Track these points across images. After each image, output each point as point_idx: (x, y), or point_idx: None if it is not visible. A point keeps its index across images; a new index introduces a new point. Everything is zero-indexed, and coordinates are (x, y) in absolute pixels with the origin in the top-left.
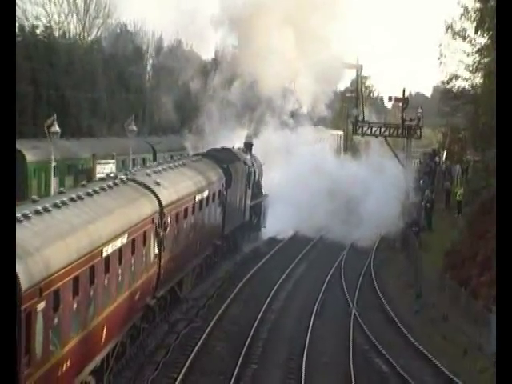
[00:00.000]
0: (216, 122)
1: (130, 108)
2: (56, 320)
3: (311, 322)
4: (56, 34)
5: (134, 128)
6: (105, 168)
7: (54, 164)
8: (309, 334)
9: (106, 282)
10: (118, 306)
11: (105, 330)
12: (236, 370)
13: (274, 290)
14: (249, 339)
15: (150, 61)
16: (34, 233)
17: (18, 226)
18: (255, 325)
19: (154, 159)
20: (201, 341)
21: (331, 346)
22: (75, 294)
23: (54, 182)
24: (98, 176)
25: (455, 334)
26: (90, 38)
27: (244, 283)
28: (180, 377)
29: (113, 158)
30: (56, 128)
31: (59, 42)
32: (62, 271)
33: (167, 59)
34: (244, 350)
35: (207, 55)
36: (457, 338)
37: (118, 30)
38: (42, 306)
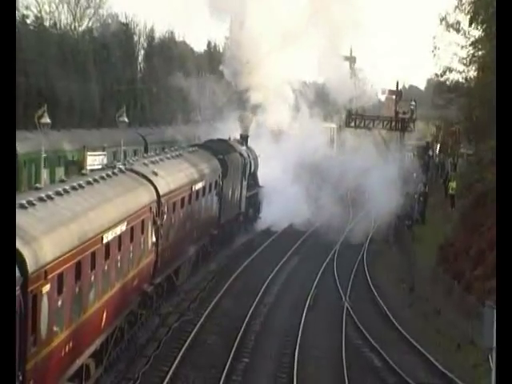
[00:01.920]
0: (210, 113)
1: (122, 99)
2: (60, 303)
3: (303, 315)
4: (47, 23)
5: (126, 119)
6: (96, 160)
7: (44, 155)
8: (301, 328)
9: (106, 267)
10: (117, 292)
11: (105, 314)
12: (228, 364)
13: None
14: (241, 332)
15: (142, 51)
16: (39, 219)
17: (23, 212)
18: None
19: (146, 151)
20: (192, 334)
21: (323, 340)
22: (77, 279)
23: (44, 174)
24: (88, 168)
25: (448, 328)
26: (81, 29)
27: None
28: (171, 370)
29: (104, 150)
30: (47, 119)
31: (50, 32)
32: (65, 256)
33: (159, 50)
34: (236, 343)
35: (200, 46)
36: (450, 332)
37: (110, 21)
38: (47, 288)
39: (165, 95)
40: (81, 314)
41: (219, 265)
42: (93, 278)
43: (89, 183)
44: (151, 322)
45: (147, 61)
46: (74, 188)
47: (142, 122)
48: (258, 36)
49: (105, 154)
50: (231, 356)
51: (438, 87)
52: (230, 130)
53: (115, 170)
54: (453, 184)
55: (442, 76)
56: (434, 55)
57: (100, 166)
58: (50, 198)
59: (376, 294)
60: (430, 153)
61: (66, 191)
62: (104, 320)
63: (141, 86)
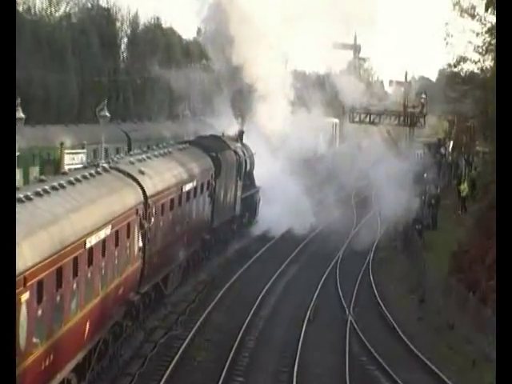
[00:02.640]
0: (200, 108)
1: (103, 91)
2: (40, 312)
3: (303, 330)
4: (20, 8)
5: (107, 114)
6: (74, 158)
7: (17, 154)
8: (300, 343)
9: (89, 274)
10: (101, 301)
11: (88, 325)
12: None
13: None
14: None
15: (125, 39)
16: (17, 221)
17: None
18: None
19: (129, 149)
20: (180, 350)
21: (325, 356)
22: (58, 287)
23: (17, 174)
24: (66, 167)
25: (462, 344)
26: (57, 14)
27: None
28: None
29: (83, 148)
30: (20, 113)
31: (24, 17)
32: (46, 261)
33: (144, 37)
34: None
35: (189, 34)
36: (464, 347)
37: (89, 5)
38: (26, 296)
39: (150, 87)
40: (62, 324)
41: (211, 273)
42: (75, 286)
43: (70, 183)
44: (135, 336)
45: (131, 49)
46: (54, 188)
47: (125, 117)
48: (251, 13)
49: (84, 152)
50: (223, 375)
51: (451, 78)
52: (222, 126)
53: (98, 169)
54: (463, 186)
55: (455, 66)
56: (447, 43)
57: (79, 165)
58: (28, 198)
59: (383, 306)
60: (443, 151)
61: (45, 191)
62: (87, 331)
63: (124, 77)
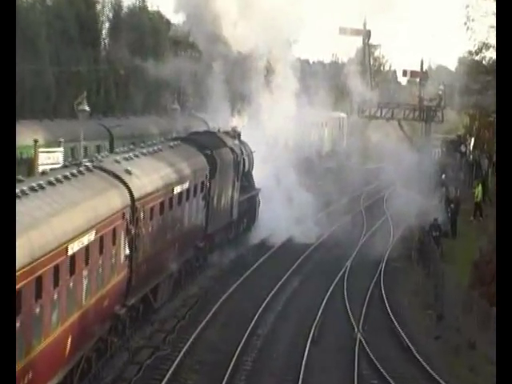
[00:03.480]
0: (191, 101)
1: (82, 83)
2: (17, 325)
3: (306, 350)
4: None
5: (86, 108)
6: (50, 157)
7: None
8: (303, 365)
9: (71, 284)
10: (85, 314)
11: (69, 341)
12: None
13: None
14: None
15: (107, 24)
16: None
17: None
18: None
19: (111, 147)
20: (169, 373)
21: (331, 380)
22: (38, 297)
23: None
24: (40, 167)
25: (485, 365)
26: None
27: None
28: None
29: (60, 146)
30: None
31: None
32: (24, 269)
33: (128, 22)
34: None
35: (178, 18)
36: (487, 369)
37: None
38: None
39: (135, 78)
40: (42, 339)
41: (204, 286)
42: (56, 297)
43: (51, 184)
44: (119, 356)
45: (113, 36)
46: (33, 189)
47: (107, 112)
48: None
49: (61, 151)
50: None
51: (473, 67)
52: (216, 121)
53: (81, 169)
54: (478, 189)
55: (476, 54)
56: (468, 28)
57: (55, 165)
58: None
59: (396, 323)
60: (463, 149)
61: (23, 193)
62: (69, 347)
63: (105, 66)
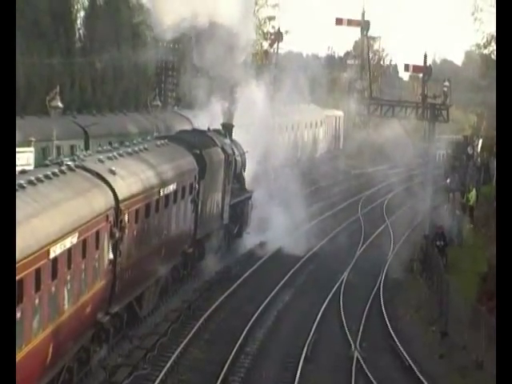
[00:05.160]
0: (175, 96)
1: (54, 77)
2: None
3: (299, 370)
4: None
5: (60, 104)
6: (19, 158)
7: None
8: None
9: (53, 289)
10: (67, 321)
11: (51, 349)
12: None
13: None
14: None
15: (82, 13)
16: None
17: None
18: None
19: (87, 147)
20: None
21: None
22: (19, 302)
23: None
24: None
25: None
26: None
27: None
28: None
29: (30, 146)
30: None
31: None
32: None
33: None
34: None
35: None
36: None
37: None
38: None
39: (112, 72)
40: (22, 346)
41: (188, 297)
42: (37, 302)
43: (31, 183)
44: (94, 376)
45: (89, 25)
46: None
47: (82, 108)
48: None
49: (31, 151)
50: None
51: (481, 62)
52: (199, 119)
53: (63, 168)
54: (471, 194)
55: (485, 47)
56: (475, 19)
57: (26, 167)
58: None
59: (396, 340)
60: (470, 150)
61: None
62: (50, 356)
63: (80, 59)
